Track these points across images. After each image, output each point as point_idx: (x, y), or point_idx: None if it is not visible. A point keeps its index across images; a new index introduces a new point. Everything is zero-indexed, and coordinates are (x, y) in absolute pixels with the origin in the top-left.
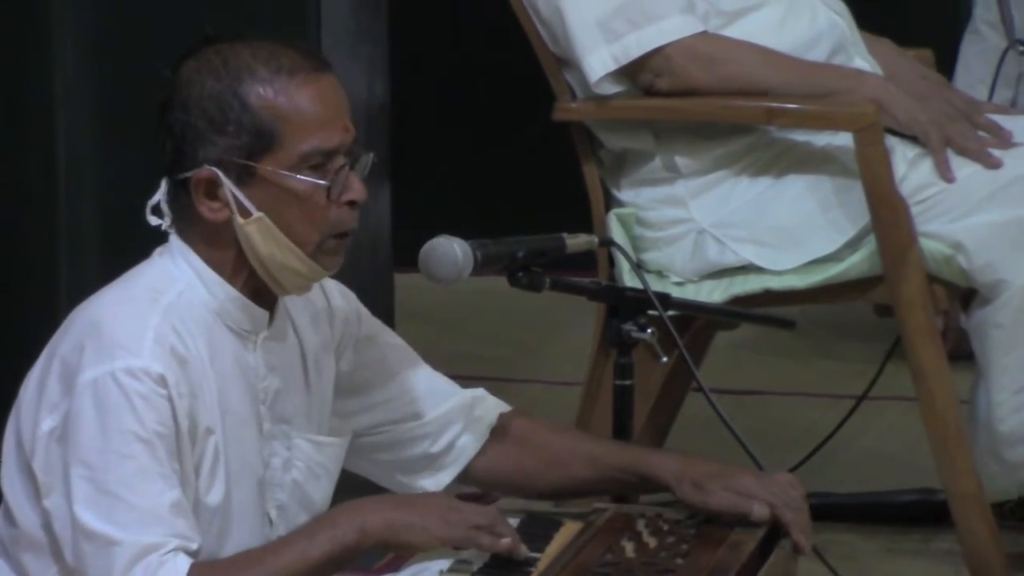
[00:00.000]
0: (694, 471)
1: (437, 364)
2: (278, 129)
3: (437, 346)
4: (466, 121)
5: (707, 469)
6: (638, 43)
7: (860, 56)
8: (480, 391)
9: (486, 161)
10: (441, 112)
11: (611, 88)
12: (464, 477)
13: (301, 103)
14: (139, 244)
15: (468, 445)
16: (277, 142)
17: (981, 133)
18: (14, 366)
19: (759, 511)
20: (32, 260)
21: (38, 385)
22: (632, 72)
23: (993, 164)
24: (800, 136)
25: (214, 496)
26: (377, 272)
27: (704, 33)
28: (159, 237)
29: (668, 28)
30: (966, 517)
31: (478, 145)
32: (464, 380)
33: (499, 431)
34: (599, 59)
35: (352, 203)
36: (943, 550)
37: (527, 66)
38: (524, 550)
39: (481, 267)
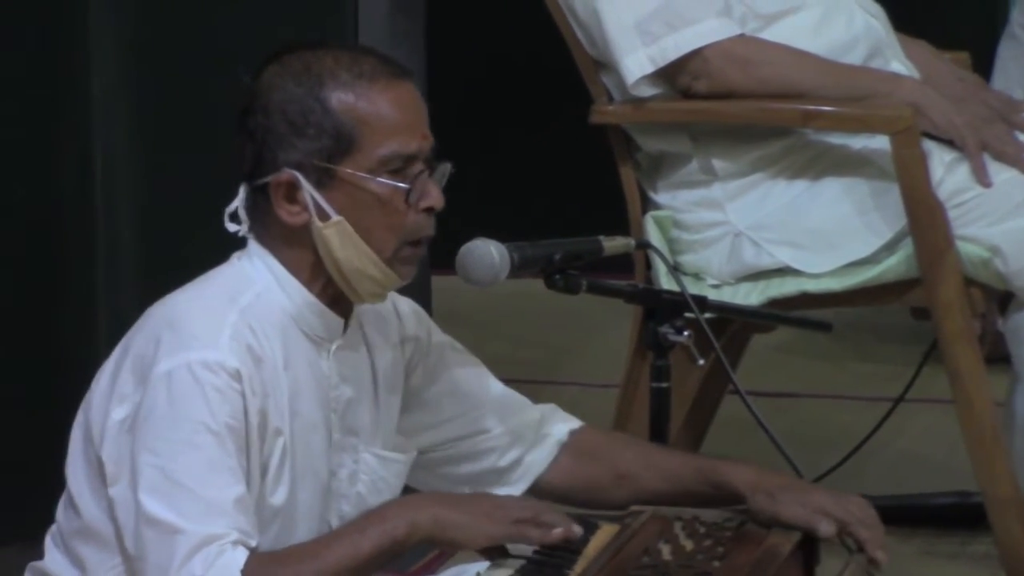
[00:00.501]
0: (768, 482)
1: None
2: (358, 133)
3: (474, 348)
4: (503, 123)
5: (781, 481)
6: (675, 45)
7: (897, 59)
8: (551, 406)
9: (523, 163)
10: (478, 114)
11: (648, 90)
12: (535, 492)
13: (381, 107)
14: (176, 246)
15: (536, 462)
16: (357, 146)
17: (1019, 134)
18: (52, 368)
19: (826, 528)
20: (69, 263)
21: (111, 379)
22: (669, 74)
23: None
24: (837, 139)
25: (278, 497)
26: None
27: (741, 36)
28: (195, 241)
29: (705, 31)
30: (1003, 520)
31: (515, 147)
32: (501, 382)
33: (570, 447)
34: (636, 61)
35: (429, 209)
36: (980, 553)
37: (564, 68)
38: (578, 530)
39: (518, 270)
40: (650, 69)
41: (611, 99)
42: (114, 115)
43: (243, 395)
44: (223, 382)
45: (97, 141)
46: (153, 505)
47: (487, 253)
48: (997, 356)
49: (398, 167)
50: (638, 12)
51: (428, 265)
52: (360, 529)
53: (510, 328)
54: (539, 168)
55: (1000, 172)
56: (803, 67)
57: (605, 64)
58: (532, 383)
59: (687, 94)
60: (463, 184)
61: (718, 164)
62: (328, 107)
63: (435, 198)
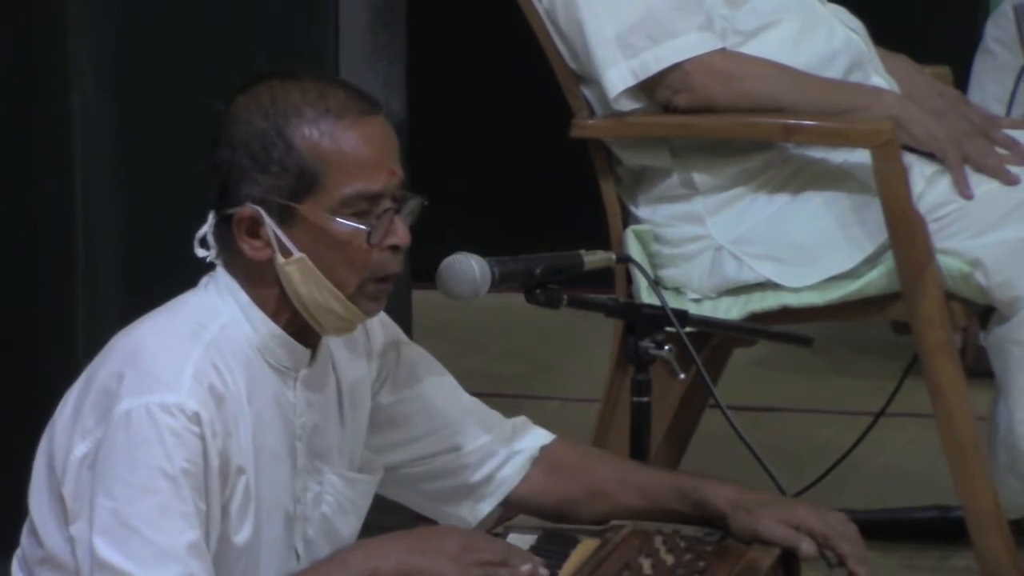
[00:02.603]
0: (748, 500)
1: None
2: (321, 171)
3: (454, 363)
4: (484, 138)
5: (761, 498)
6: (656, 59)
7: (877, 73)
8: (522, 419)
9: (504, 177)
10: (459, 129)
11: (629, 104)
12: (507, 505)
13: (346, 146)
14: (157, 266)
15: (509, 477)
16: (320, 184)
17: (999, 149)
18: (33, 391)
19: (807, 548)
20: (48, 283)
21: (74, 409)
22: (650, 88)
23: (1011, 181)
24: (817, 153)
25: (243, 535)
26: (394, 289)
27: (722, 50)
28: (177, 260)
29: (687, 44)
30: (983, 534)
31: (496, 161)
32: (481, 397)
33: (542, 461)
34: (618, 74)
35: (395, 248)
36: (960, 567)
37: (545, 82)
38: (544, 572)
39: (499, 284)
40: (632, 82)
41: (592, 113)
42: (93, 130)
43: (202, 438)
44: (181, 425)
45: (76, 156)
46: (106, 549)
47: (468, 267)
48: (978, 370)
49: (363, 208)
50: (620, 25)
51: (408, 279)
52: None
53: (491, 342)
54: (520, 182)
55: (981, 185)
56: (783, 81)
57: (586, 77)
58: (513, 397)
59: (668, 108)
60: (445, 198)
61: (699, 178)
62: (292, 144)
63: (401, 236)
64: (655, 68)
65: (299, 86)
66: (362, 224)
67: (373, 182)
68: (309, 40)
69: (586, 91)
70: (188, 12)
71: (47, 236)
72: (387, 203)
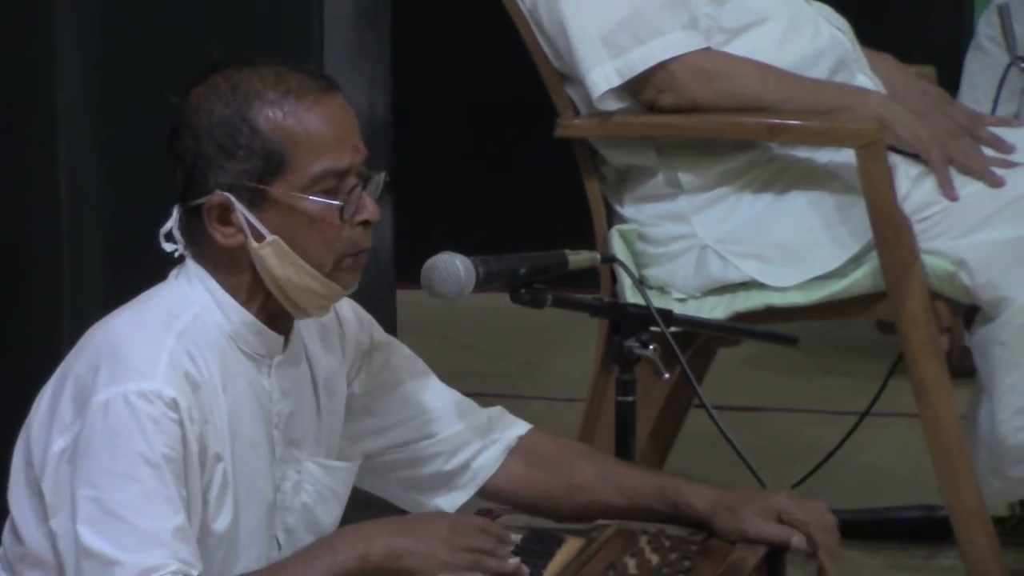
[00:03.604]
0: (728, 499)
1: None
2: (288, 152)
3: (439, 363)
4: (468, 137)
5: (741, 495)
6: (642, 58)
7: (862, 72)
8: (498, 409)
9: (488, 177)
10: (443, 128)
11: (614, 104)
12: (484, 496)
13: (310, 125)
14: (141, 264)
15: (484, 466)
16: (288, 164)
17: (985, 149)
18: (16, 388)
19: (798, 541)
20: (33, 281)
21: (50, 405)
22: (635, 88)
23: (996, 183)
24: (802, 152)
25: (221, 523)
26: (379, 288)
27: (707, 49)
28: (161, 257)
29: (671, 43)
30: (968, 533)
31: (480, 161)
32: (466, 397)
33: (520, 451)
34: (603, 74)
35: (365, 223)
36: (945, 567)
37: (529, 82)
38: (526, 571)
39: (483, 284)
40: (617, 82)
41: (577, 113)
42: (77, 129)
43: (181, 424)
44: (159, 412)
45: (60, 154)
46: (91, 537)
47: (452, 267)
48: (963, 370)
49: (332, 185)
50: (604, 25)
51: (393, 279)
52: (308, 560)
53: (476, 342)
54: (505, 181)
55: (965, 186)
56: (768, 80)
57: (571, 77)
58: (498, 397)
59: (653, 108)
60: (429, 197)
61: (684, 177)
62: (256, 127)
63: (370, 211)
64: (640, 67)
65: (256, 71)
66: (333, 201)
67: (339, 159)
68: (294, 39)
69: (570, 91)
70: (172, 10)
71: (31, 233)
72: (353, 179)
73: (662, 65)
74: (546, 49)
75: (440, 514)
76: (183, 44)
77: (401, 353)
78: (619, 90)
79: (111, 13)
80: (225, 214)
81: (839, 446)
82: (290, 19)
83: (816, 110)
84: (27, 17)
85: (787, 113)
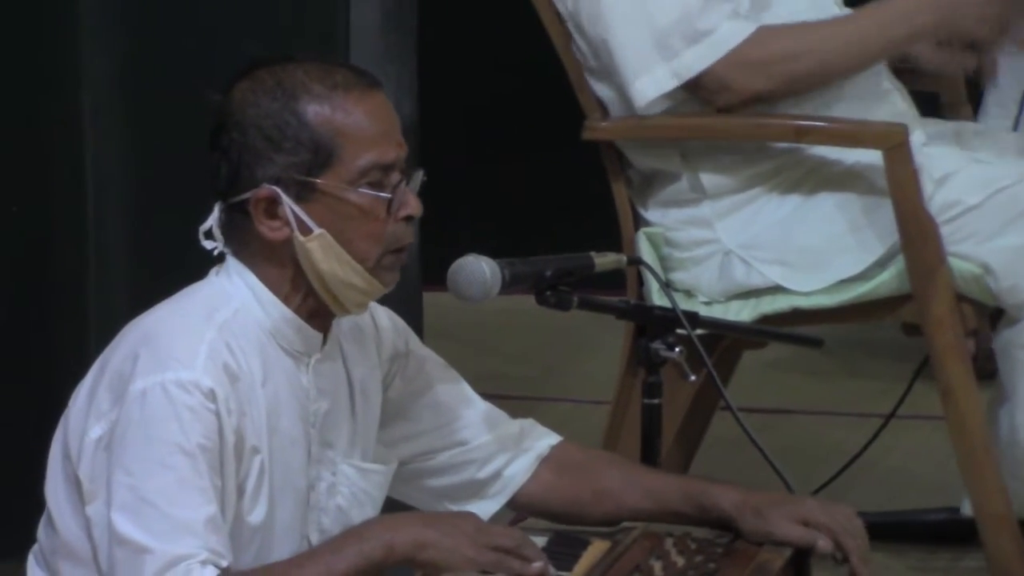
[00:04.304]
0: (755, 500)
1: None
2: (337, 144)
3: (465, 365)
4: (494, 139)
5: (768, 498)
6: (697, 57)
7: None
8: (530, 421)
9: (515, 179)
10: (470, 130)
11: (659, 108)
12: (514, 506)
13: (358, 118)
14: (168, 263)
15: (516, 475)
16: (336, 157)
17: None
18: (44, 388)
19: (824, 545)
20: (60, 281)
21: (88, 395)
22: (692, 90)
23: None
24: (830, 154)
25: (256, 515)
26: (406, 290)
27: (757, 31)
28: (187, 256)
29: (721, 39)
30: (994, 536)
31: (506, 163)
32: (492, 399)
33: (550, 461)
34: (653, 79)
35: (409, 218)
36: (972, 569)
37: (557, 84)
38: (552, 572)
39: (509, 286)
40: (673, 84)
41: (604, 115)
42: (104, 130)
43: (218, 415)
44: (197, 402)
45: (87, 155)
46: (124, 524)
47: (478, 269)
48: (989, 373)
49: (377, 178)
50: (655, 28)
51: (419, 281)
52: (336, 549)
53: (501, 345)
54: (531, 184)
55: (986, 187)
56: (824, 48)
57: (605, 79)
58: (524, 399)
59: (713, 107)
60: (456, 200)
61: (707, 182)
62: (304, 120)
63: (414, 206)
64: (698, 67)
65: (301, 67)
66: (381, 193)
67: (386, 153)
68: (319, 42)
69: (601, 92)
70: (198, 13)
71: (58, 235)
72: (397, 175)
73: (711, 69)
74: (586, 52)
75: (468, 513)
76: (208, 46)
77: (435, 361)
78: (668, 93)
79: (137, 15)
80: (272, 207)
81: (864, 448)
82: (315, 23)
83: (879, 44)
84: (53, 19)
85: (815, 117)
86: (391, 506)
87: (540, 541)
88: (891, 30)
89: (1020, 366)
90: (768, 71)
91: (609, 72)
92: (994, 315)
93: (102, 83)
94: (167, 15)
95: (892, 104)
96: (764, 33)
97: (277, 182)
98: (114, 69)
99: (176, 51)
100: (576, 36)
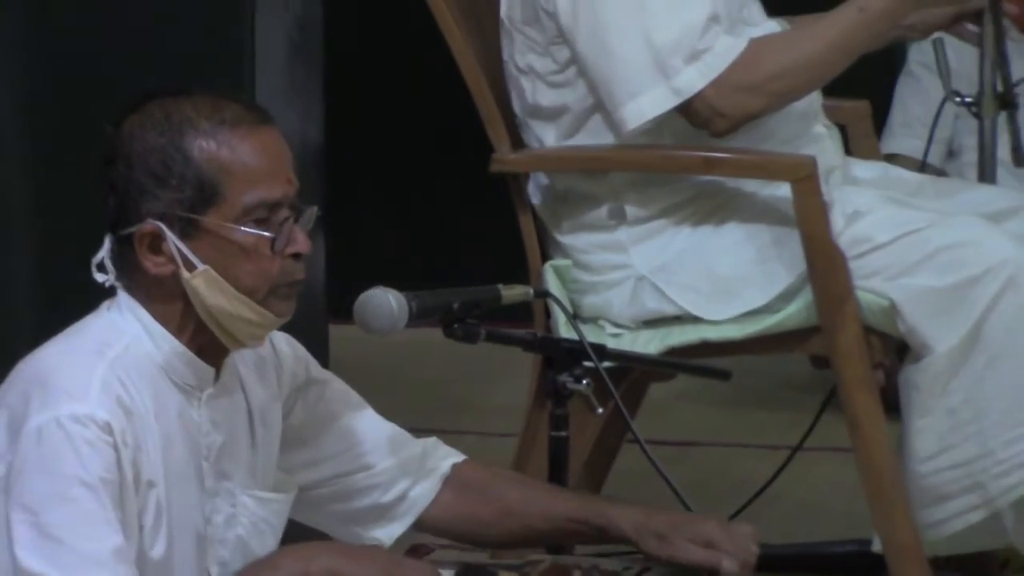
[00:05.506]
0: (656, 522)
1: None
2: (221, 181)
3: (372, 398)
4: (402, 171)
5: (669, 519)
6: (699, 74)
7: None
8: (433, 440)
9: (422, 211)
10: (376, 162)
11: (642, 131)
12: (419, 527)
13: (244, 155)
14: (72, 298)
15: (421, 496)
16: (220, 195)
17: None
18: None
19: (729, 566)
20: None
21: None
22: (687, 113)
23: None
24: (745, 185)
25: (157, 550)
26: (311, 323)
27: (749, 50)
28: (92, 291)
29: (720, 54)
30: (902, 568)
31: (414, 195)
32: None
33: (453, 480)
34: (653, 97)
35: (297, 255)
36: None
37: (465, 116)
38: None
39: (416, 318)
40: (673, 102)
41: (513, 147)
42: (8, 168)
43: (115, 447)
44: (94, 435)
45: None
46: (31, 561)
47: (385, 302)
48: (898, 405)
49: (263, 215)
50: (655, 45)
51: (326, 314)
52: None
53: (409, 377)
54: (439, 215)
55: (897, 228)
56: (809, 59)
57: (550, 119)
58: (431, 432)
59: (714, 134)
60: (362, 232)
61: (630, 210)
62: (189, 157)
63: (302, 243)
64: (699, 84)
65: (190, 100)
66: (265, 232)
67: (272, 191)
68: (225, 75)
69: (533, 125)
70: (101, 45)
71: None
72: (285, 212)
73: (699, 95)
74: (592, 76)
75: (381, 547)
76: (112, 79)
77: (336, 387)
78: (656, 118)
79: (37, 46)
80: (156, 243)
81: (772, 480)
82: (222, 54)
83: (870, 39)
84: None
85: (723, 148)
86: (294, 528)
87: (447, 574)
88: (876, 24)
89: (913, 407)
90: (759, 92)
91: (605, 94)
92: (901, 348)
93: (5, 116)
94: (69, 49)
95: (822, 148)
96: (755, 49)
97: (162, 218)
98: (15, 105)
99: (79, 83)
100: (549, 57)
